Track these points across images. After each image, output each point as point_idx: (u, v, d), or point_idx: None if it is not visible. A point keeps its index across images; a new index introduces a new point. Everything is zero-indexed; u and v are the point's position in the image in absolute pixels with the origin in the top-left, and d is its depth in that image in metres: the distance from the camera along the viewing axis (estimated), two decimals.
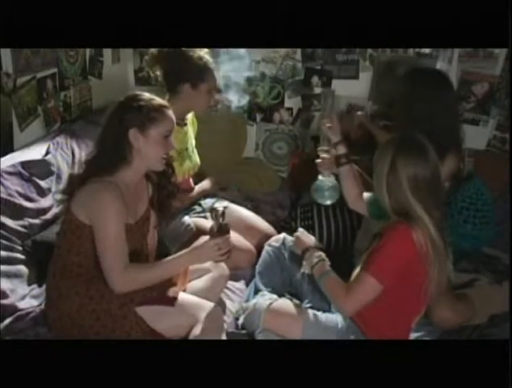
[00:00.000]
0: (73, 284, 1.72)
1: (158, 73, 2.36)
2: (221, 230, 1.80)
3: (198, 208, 2.49)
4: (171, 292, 1.82)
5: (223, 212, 1.81)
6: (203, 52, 2.30)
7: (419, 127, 2.20)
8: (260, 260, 2.20)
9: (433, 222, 1.65)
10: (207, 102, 2.36)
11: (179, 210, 2.36)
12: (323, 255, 1.92)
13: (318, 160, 2.11)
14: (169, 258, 1.82)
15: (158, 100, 1.82)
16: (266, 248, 2.21)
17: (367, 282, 1.69)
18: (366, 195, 2.01)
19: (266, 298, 1.95)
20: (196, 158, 2.53)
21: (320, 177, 2.16)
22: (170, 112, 1.82)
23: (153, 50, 2.35)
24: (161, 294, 1.81)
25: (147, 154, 1.79)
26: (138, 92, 1.83)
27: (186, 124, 2.44)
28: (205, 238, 1.83)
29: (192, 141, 2.53)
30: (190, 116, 2.50)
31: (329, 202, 2.19)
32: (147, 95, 1.81)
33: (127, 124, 1.75)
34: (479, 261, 2.52)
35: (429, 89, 2.26)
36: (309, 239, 2.03)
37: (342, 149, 2.01)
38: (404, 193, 1.66)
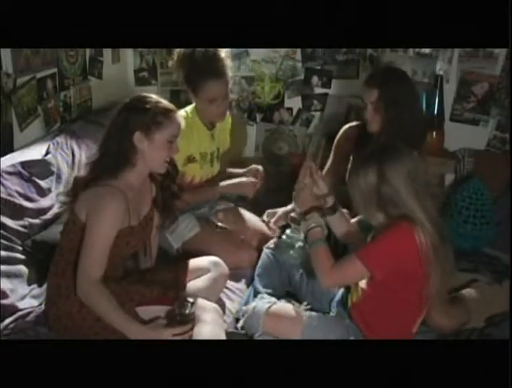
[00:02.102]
0: (73, 284, 1.71)
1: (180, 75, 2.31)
2: (182, 321, 1.68)
3: (203, 208, 2.49)
4: (171, 292, 1.83)
5: (193, 303, 1.70)
6: (223, 54, 2.26)
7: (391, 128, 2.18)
8: (259, 263, 2.20)
9: (433, 225, 1.64)
10: (221, 106, 2.31)
11: (186, 209, 2.35)
12: (323, 222, 1.86)
13: (292, 214, 1.98)
14: (127, 318, 1.69)
15: (165, 103, 1.78)
16: (265, 250, 2.21)
17: (352, 264, 1.68)
18: (353, 221, 1.99)
19: (265, 301, 1.94)
20: (218, 165, 2.52)
21: (288, 231, 2.05)
22: (177, 117, 1.79)
23: (177, 51, 2.28)
24: (161, 294, 1.81)
25: (150, 158, 1.77)
26: (145, 94, 1.80)
27: (214, 127, 2.41)
28: (162, 321, 1.74)
29: (220, 147, 2.51)
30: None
31: (297, 264, 2.12)
32: (154, 98, 1.77)
33: (132, 126, 1.73)
34: (479, 261, 2.52)
35: (396, 88, 2.18)
36: (317, 201, 1.88)
37: (330, 201, 1.89)
38: (402, 197, 1.63)
